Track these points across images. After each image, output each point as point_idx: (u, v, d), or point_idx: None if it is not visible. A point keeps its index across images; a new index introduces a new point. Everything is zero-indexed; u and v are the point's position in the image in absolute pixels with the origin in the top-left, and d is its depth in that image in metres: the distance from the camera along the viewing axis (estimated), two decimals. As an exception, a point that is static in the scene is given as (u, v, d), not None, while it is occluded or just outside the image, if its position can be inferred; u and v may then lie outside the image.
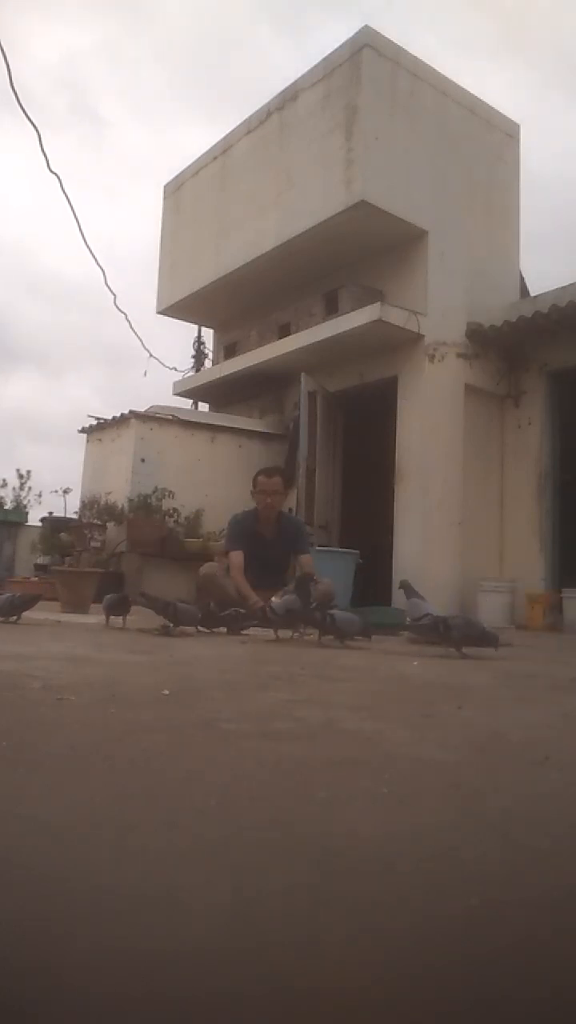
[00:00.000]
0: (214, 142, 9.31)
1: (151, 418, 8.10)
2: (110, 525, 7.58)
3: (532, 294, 8.42)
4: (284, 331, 8.44)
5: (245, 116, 8.80)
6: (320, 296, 8.06)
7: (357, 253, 7.87)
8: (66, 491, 8.96)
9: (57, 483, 10.70)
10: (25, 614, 4.34)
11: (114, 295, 10.18)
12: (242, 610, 4.34)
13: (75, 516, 8.20)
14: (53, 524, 8.42)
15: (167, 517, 7.56)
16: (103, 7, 22.95)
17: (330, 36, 33.57)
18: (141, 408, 8.16)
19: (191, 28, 26.41)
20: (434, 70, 7.86)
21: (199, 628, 4.17)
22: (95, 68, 24.84)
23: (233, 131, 9.07)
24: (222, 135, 9.18)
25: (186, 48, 26.37)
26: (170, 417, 8.23)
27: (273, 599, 4.80)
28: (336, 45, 7.55)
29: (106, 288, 10.49)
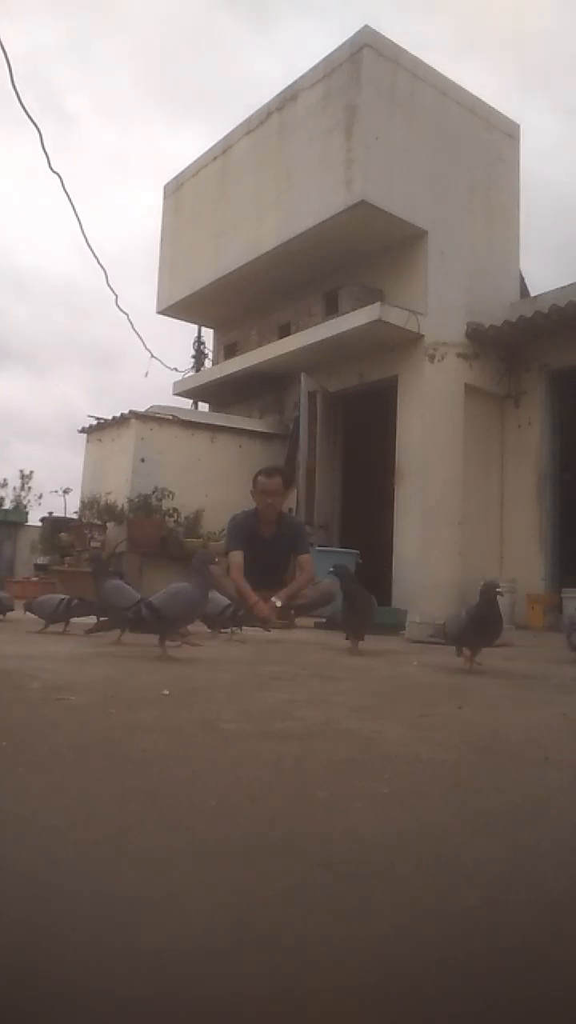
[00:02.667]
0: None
1: (151, 418, 8.10)
2: (110, 525, 7.58)
3: (530, 295, 8.42)
4: (284, 331, 8.43)
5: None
6: (320, 296, 8.05)
7: (357, 253, 7.87)
8: (66, 491, 8.98)
9: (47, 482, 10.69)
10: (23, 615, 4.38)
11: (116, 295, 10.20)
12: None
13: (75, 516, 8.20)
14: (53, 524, 8.42)
15: (167, 517, 7.55)
16: (69, 4, 22.77)
17: (293, 31, 33.47)
18: (141, 408, 8.16)
19: (156, 25, 26.20)
20: (434, 70, 7.86)
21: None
22: (60, 65, 24.68)
23: (233, 131, 9.07)
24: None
25: (152, 45, 26.14)
26: (170, 417, 8.23)
27: (273, 598, 4.81)
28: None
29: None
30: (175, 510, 7.60)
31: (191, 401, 10.18)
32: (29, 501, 9.79)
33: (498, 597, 3.03)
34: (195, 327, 11.12)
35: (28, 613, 3.98)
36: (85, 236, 10.85)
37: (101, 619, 3.63)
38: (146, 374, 12.14)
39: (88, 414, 9.57)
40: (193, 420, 8.48)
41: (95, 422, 8.65)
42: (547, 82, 29.77)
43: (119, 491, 7.75)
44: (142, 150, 30.16)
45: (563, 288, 7.36)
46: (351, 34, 7.52)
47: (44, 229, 32.84)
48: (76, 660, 2.69)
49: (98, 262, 11.85)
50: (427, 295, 7.44)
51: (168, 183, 10.24)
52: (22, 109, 7.32)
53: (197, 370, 10.86)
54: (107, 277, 11.17)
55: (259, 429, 8.71)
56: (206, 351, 11.19)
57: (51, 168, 8.06)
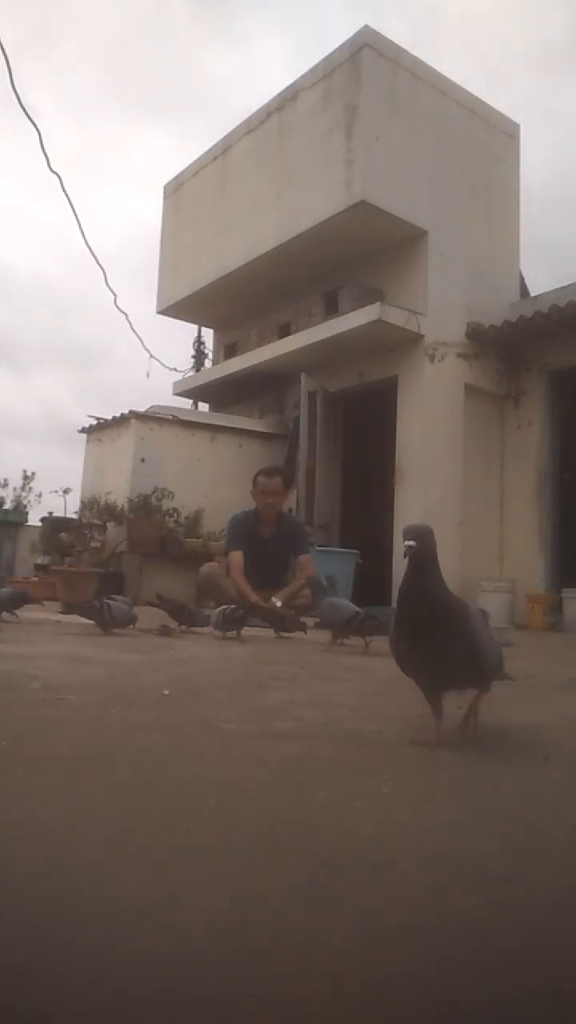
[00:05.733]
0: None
1: (151, 418, 8.09)
2: (110, 525, 7.58)
3: (530, 295, 8.42)
4: (284, 331, 8.43)
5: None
6: (320, 296, 8.05)
7: (357, 253, 7.87)
8: (66, 491, 8.98)
9: (36, 482, 10.65)
10: (26, 614, 4.37)
11: (115, 295, 10.21)
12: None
13: (75, 516, 8.20)
14: (53, 524, 8.42)
15: (167, 517, 7.55)
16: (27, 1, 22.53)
17: (250, 25, 33.38)
18: (141, 408, 8.16)
19: (115, 23, 25.91)
20: (434, 70, 7.86)
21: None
22: (19, 61, 24.40)
23: (233, 131, 9.07)
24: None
25: (112, 43, 25.83)
26: (170, 417, 8.23)
27: (273, 598, 4.81)
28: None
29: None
30: (175, 510, 7.60)
31: (191, 401, 10.18)
32: (29, 501, 9.80)
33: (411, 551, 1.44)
34: (185, 327, 11.09)
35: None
36: (84, 237, 10.86)
37: None
38: (147, 374, 12.13)
39: (88, 414, 9.57)
40: (193, 420, 8.48)
41: (95, 422, 8.65)
42: (505, 83, 29.84)
43: (119, 491, 7.75)
44: (107, 149, 29.97)
45: (563, 288, 7.36)
46: (338, 33, 7.52)
47: (19, 227, 32.63)
48: (76, 660, 2.69)
49: (97, 262, 11.90)
50: (427, 295, 7.44)
51: (168, 183, 10.25)
52: (22, 110, 7.31)
53: (197, 370, 10.86)
54: (106, 277, 11.19)
55: (259, 429, 8.71)
56: (206, 351, 11.18)
57: (50, 168, 8.07)
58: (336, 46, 7.65)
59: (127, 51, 27.33)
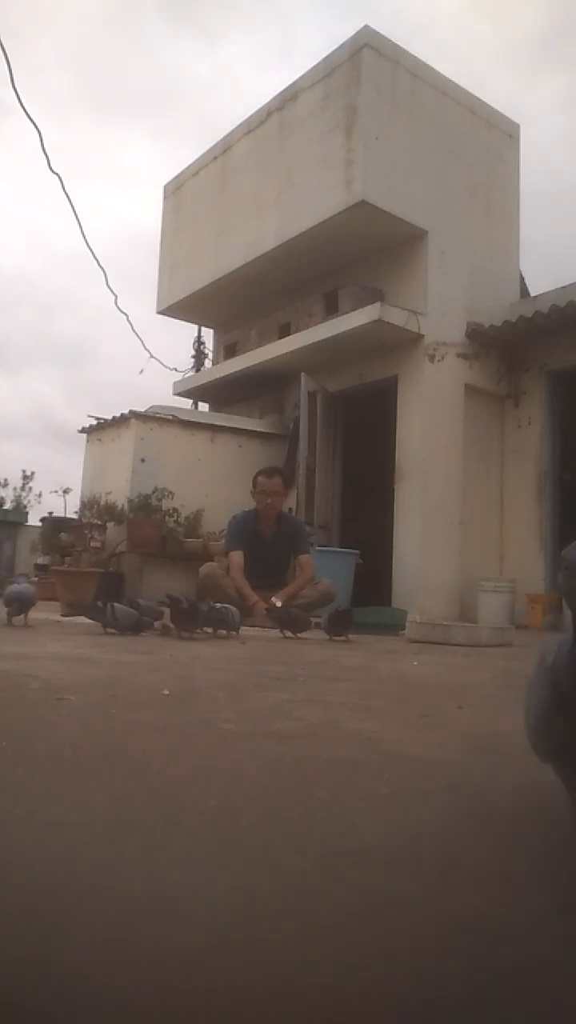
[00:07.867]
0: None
1: (151, 418, 8.09)
2: (110, 525, 7.57)
3: (530, 295, 8.42)
4: (284, 331, 8.43)
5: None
6: (320, 296, 8.05)
7: (357, 253, 7.87)
8: (66, 491, 8.99)
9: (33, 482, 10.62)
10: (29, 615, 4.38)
11: (115, 295, 10.20)
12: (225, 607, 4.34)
13: (75, 516, 8.20)
14: (53, 524, 8.42)
15: (167, 517, 7.55)
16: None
17: (221, 25, 33.39)
18: (142, 408, 8.16)
19: (87, 22, 25.87)
20: (434, 70, 7.86)
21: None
22: None
23: (233, 131, 9.08)
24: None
25: (81, 40, 25.78)
26: (170, 417, 8.23)
27: (273, 599, 4.81)
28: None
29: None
30: (175, 510, 7.60)
31: (191, 401, 10.18)
32: (29, 501, 9.82)
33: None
34: (185, 327, 11.08)
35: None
36: (85, 236, 10.84)
37: None
38: (141, 371, 12.14)
39: (88, 414, 9.58)
40: (193, 420, 8.48)
41: (95, 422, 8.65)
42: (481, 82, 29.98)
43: (119, 491, 7.75)
44: (82, 147, 29.89)
45: (563, 288, 7.36)
46: (343, 33, 7.52)
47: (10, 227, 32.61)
48: (76, 660, 2.69)
49: (97, 263, 11.82)
50: (427, 295, 7.44)
51: (168, 183, 10.25)
52: (23, 110, 7.31)
53: (197, 370, 10.85)
54: (106, 277, 11.18)
55: (259, 429, 8.71)
56: (206, 351, 11.18)
57: (50, 169, 8.06)
58: (335, 47, 7.65)
59: (99, 50, 27.30)
